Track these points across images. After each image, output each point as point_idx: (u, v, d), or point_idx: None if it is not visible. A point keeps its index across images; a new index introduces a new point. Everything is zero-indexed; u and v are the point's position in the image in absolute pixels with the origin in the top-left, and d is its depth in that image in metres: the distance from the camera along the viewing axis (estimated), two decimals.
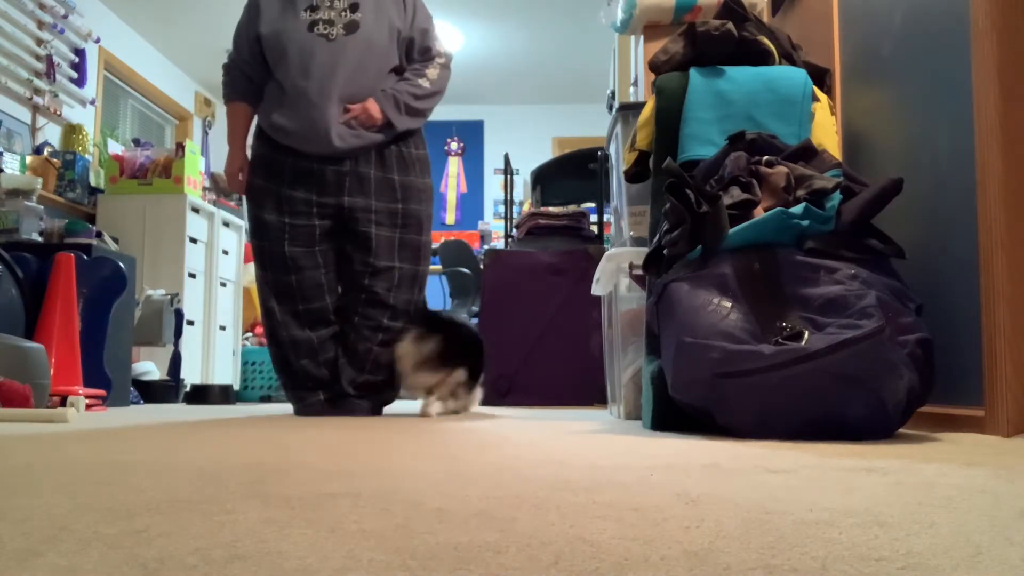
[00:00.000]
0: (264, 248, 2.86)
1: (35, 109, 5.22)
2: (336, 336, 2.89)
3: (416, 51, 2.93)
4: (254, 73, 2.92)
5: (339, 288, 2.95)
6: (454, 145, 8.30)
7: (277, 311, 2.84)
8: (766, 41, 2.26)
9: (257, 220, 2.87)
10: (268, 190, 2.85)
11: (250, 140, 3.00)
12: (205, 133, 7.62)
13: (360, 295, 2.86)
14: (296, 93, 2.78)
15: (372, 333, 2.84)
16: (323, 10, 2.82)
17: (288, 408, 3.92)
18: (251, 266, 6.34)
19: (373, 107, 2.77)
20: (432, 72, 2.91)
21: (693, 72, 2.19)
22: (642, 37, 3.35)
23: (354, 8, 2.83)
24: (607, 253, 2.61)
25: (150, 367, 4.78)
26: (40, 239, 4.11)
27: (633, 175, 2.38)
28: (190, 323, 5.32)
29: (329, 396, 2.87)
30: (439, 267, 5.96)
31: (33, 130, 5.20)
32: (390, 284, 2.84)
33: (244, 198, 3.01)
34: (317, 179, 2.81)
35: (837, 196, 1.75)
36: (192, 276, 5.47)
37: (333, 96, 2.76)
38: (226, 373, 5.81)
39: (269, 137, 2.86)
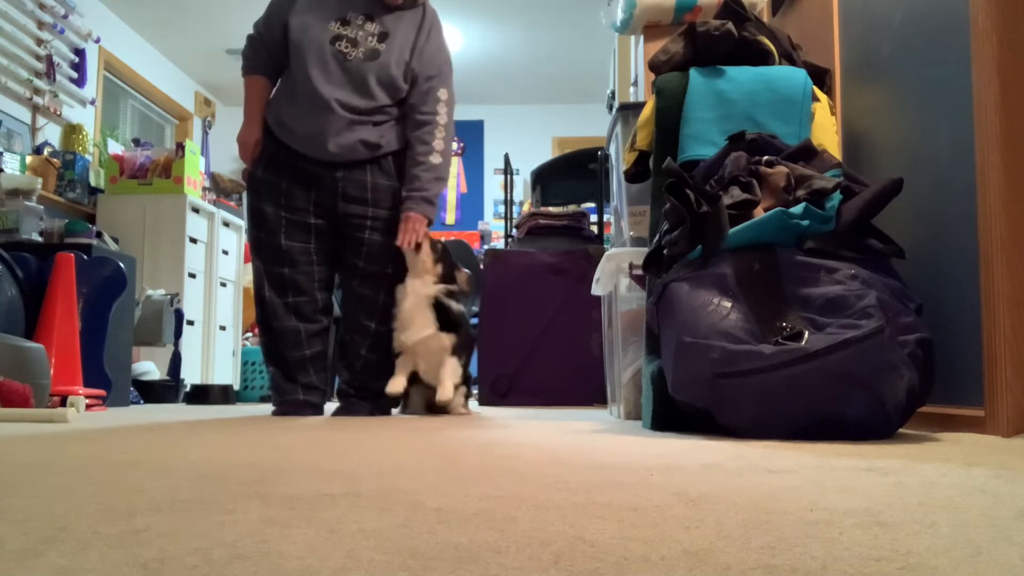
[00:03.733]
0: (261, 239, 2.87)
1: (35, 109, 5.22)
2: (323, 333, 2.90)
3: (419, 83, 2.87)
4: (276, 50, 2.93)
5: (334, 288, 2.96)
6: (454, 145, 8.30)
7: (269, 299, 2.85)
8: (766, 41, 2.26)
9: (256, 211, 2.88)
10: (269, 183, 2.86)
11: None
12: (205, 133, 7.62)
13: (351, 297, 2.87)
14: (304, 97, 2.80)
15: (362, 339, 2.85)
16: (352, 28, 2.81)
17: None
18: (251, 266, 6.36)
19: (419, 224, 2.79)
20: (438, 142, 2.86)
21: (693, 72, 2.19)
22: (642, 37, 3.35)
23: (382, 37, 2.82)
24: (607, 253, 2.61)
25: (150, 367, 4.78)
26: (40, 239, 4.11)
27: (633, 175, 2.38)
28: (190, 323, 5.32)
29: (308, 396, 2.87)
30: None
31: (33, 130, 5.20)
32: (379, 287, 2.84)
33: (244, 194, 3.02)
34: (315, 182, 2.83)
35: (837, 196, 1.75)
36: (192, 276, 5.47)
37: (337, 109, 2.76)
38: (226, 373, 5.81)
39: (274, 133, 2.88)
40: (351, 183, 2.82)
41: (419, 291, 2.77)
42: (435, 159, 2.85)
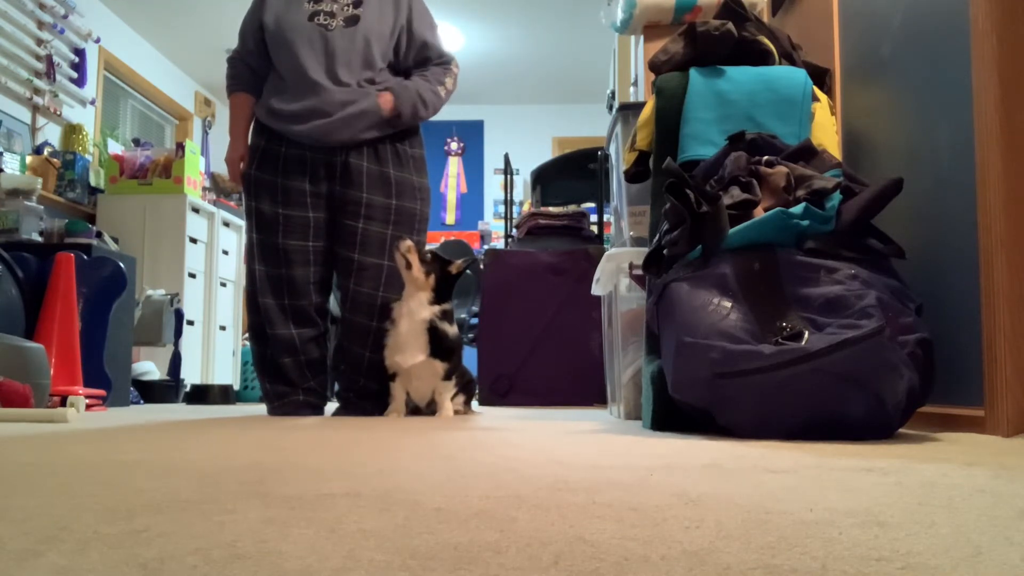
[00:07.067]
0: (260, 240, 2.86)
1: (35, 109, 5.22)
2: (319, 338, 2.89)
3: (414, 51, 2.94)
4: (257, 65, 2.95)
5: (329, 290, 2.95)
6: (454, 145, 8.30)
7: (264, 306, 2.83)
8: (766, 41, 2.26)
9: (254, 212, 2.88)
10: (265, 181, 2.86)
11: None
12: (205, 133, 7.62)
13: (348, 296, 2.84)
14: (292, 79, 2.81)
15: (363, 338, 2.83)
16: (326, 2, 2.87)
17: None
18: (246, 272, 6.36)
19: (385, 101, 2.81)
20: (449, 82, 2.97)
21: (693, 72, 2.19)
22: (642, 37, 3.35)
23: (357, 3, 2.87)
24: (607, 253, 2.61)
25: (150, 367, 4.78)
26: (40, 239, 4.11)
27: (633, 175, 2.38)
28: (190, 323, 5.32)
29: (308, 397, 2.86)
30: None
31: (33, 130, 5.20)
32: (377, 283, 2.82)
33: (243, 193, 3.02)
34: (311, 167, 2.83)
35: (837, 196, 1.75)
36: (192, 276, 5.47)
37: (328, 85, 2.78)
38: (226, 373, 5.81)
39: (265, 128, 2.88)
40: (347, 167, 2.82)
41: (415, 314, 2.70)
42: (440, 90, 2.93)
